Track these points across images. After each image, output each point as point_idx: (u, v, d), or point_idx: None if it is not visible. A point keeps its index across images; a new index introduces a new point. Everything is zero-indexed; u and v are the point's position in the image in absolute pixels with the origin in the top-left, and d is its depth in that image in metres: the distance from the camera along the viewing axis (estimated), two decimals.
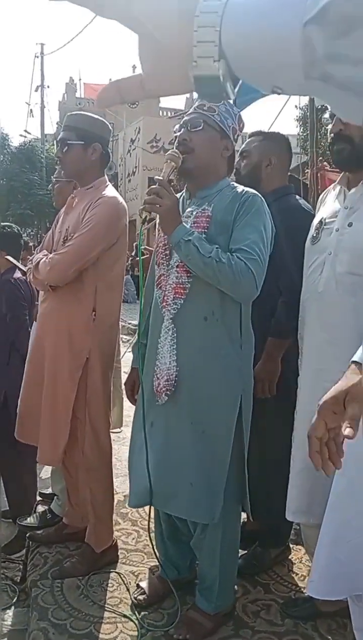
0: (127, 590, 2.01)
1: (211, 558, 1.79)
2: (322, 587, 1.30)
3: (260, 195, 1.73)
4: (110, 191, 2.12)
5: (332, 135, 1.76)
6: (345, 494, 1.26)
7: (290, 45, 0.44)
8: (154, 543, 1.99)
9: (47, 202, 18.95)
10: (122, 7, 0.49)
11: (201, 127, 1.71)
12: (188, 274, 1.69)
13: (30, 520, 2.50)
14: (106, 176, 2.19)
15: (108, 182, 2.18)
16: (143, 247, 2.02)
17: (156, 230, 1.82)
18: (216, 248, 1.62)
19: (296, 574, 2.15)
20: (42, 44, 21.64)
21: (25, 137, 21.20)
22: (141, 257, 1.61)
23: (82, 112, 2.21)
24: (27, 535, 2.38)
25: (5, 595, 2.29)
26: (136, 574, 2.12)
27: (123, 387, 2.12)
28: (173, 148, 1.78)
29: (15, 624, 2.14)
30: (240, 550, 2.01)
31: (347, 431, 0.94)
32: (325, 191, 2.03)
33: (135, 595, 1.96)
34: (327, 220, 1.79)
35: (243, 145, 2.22)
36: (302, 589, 2.03)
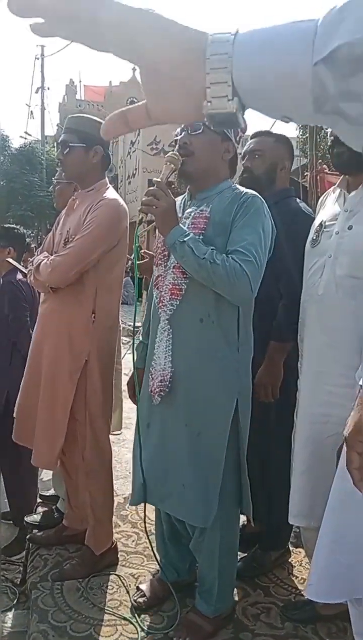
0: (127, 592, 2.01)
1: (210, 561, 1.79)
2: (321, 589, 1.30)
3: (260, 196, 1.72)
4: (111, 193, 2.13)
5: (332, 138, 1.77)
6: (345, 497, 1.26)
7: (300, 83, 0.45)
8: (153, 545, 1.99)
9: (48, 204, 18.97)
10: (125, 43, 0.50)
11: (201, 130, 1.71)
12: (184, 275, 1.69)
13: (35, 518, 2.50)
14: (106, 178, 2.20)
15: (109, 185, 2.18)
16: (142, 251, 2.03)
17: (156, 232, 1.83)
18: (212, 249, 1.61)
19: (296, 577, 2.14)
20: (43, 46, 21.66)
21: (25, 138, 21.24)
22: (138, 261, 1.61)
23: (83, 115, 2.21)
24: (27, 537, 2.38)
25: (5, 597, 2.29)
26: (135, 576, 2.12)
27: (123, 388, 2.12)
28: (172, 150, 1.79)
29: (15, 626, 2.14)
30: (240, 553, 2.02)
31: None
32: (324, 194, 2.03)
33: (135, 598, 1.95)
34: (326, 223, 1.79)
35: (253, 144, 2.17)
36: (302, 592, 2.03)
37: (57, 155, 2.23)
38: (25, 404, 2.20)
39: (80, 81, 33.80)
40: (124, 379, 2.57)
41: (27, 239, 3.34)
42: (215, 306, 1.67)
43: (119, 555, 2.23)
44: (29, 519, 2.50)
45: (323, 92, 0.45)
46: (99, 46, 0.51)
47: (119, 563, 2.20)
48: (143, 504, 1.90)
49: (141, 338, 1.96)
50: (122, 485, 2.88)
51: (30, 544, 2.34)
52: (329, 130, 1.79)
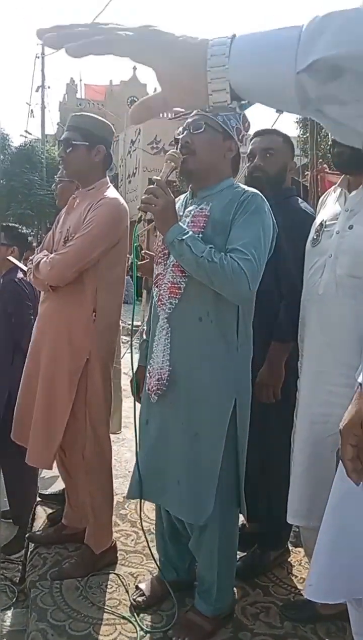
0: (126, 591, 2.01)
1: (209, 561, 1.79)
2: (320, 590, 1.30)
3: (260, 195, 1.71)
4: (111, 192, 2.13)
5: (333, 137, 1.77)
6: (346, 497, 1.26)
7: (286, 88, 0.54)
8: (152, 544, 1.99)
9: (48, 203, 18.95)
10: (137, 56, 0.61)
11: (202, 129, 1.71)
12: (183, 274, 1.69)
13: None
14: (107, 177, 2.20)
15: (110, 184, 2.18)
16: (143, 252, 2.03)
17: (156, 231, 1.83)
18: (210, 248, 1.61)
19: (296, 577, 2.14)
20: (43, 45, 21.57)
21: (25, 137, 21.23)
22: (137, 260, 1.61)
23: (86, 113, 2.21)
24: (27, 536, 2.38)
25: (4, 595, 2.29)
26: (135, 575, 2.12)
27: (123, 388, 2.12)
28: (173, 149, 1.78)
29: (14, 624, 2.14)
30: (239, 553, 2.02)
31: None
32: (325, 193, 2.03)
33: (134, 597, 1.95)
34: (327, 223, 1.79)
35: (264, 142, 2.13)
36: (301, 592, 2.03)
37: (59, 153, 2.23)
38: (25, 403, 2.19)
39: (80, 80, 33.74)
40: (124, 378, 2.58)
41: (30, 238, 3.36)
42: (214, 305, 1.66)
43: (118, 554, 2.23)
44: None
45: (305, 95, 0.54)
46: (117, 50, 0.61)
47: (119, 562, 2.20)
48: (140, 504, 1.92)
49: (144, 336, 1.96)
50: (122, 484, 2.88)
51: (30, 543, 2.34)
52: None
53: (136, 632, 1.80)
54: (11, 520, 2.91)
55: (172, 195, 1.69)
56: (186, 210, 1.77)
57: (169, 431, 1.75)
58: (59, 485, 2.96)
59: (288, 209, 2.05)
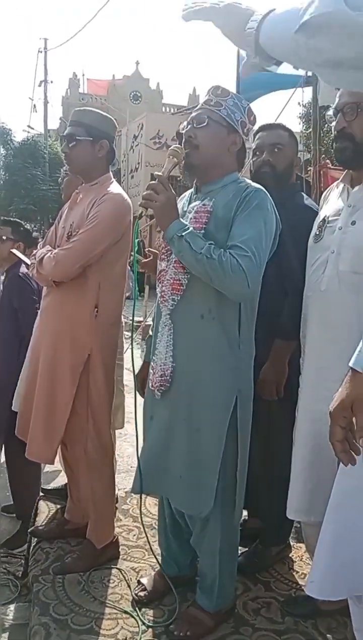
0: (128, 586, 2.02)
1: (211, 557, 1.79)
2: (322, 587, 1.30)
3: (264, 190, 1.69)
4: (115, 188, 2.12)
5: (335, 132, 1.75)
6: (348, 494, 1.26)
7: (288, 42, 0.85)
8: (153, 539, 2.00)
9: (50, 198, 18.92)
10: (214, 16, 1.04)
11: (205, 123, 1.70)
12: (185, 270, 1.68)
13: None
14: (110, 172, 2.19)
15: (113, 179, 2.18)
16: (147, 249, 2.03)
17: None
18: (210, 244, 1.60)
19: (297, 572, 2.15)
20: (46, 39, 21.41)
21: (28, 132, 21.17)
22: (137, 255, 1.61)
23: (89, 108, 2.21)
24: (29, 530, 2.39)
25: (7, 590, 2.31)
26: (136, 570, 2.13)
27: (126, 384, 2.12)
28: (175, 144, 1.78)
29: (17, 618, 2.15)
30: (241, 548, 2.02)
31: (362, 442, 1.09)
32: (328, 189, 2.02)
33: (136, 592, 1.96)
34: (330, 219, 1.78)
35: (271, 137, 2.10)
36: (303, 587, 2.04)
37: (62, 148, 2.22)
38: (27, 399, 2.20)
39: (83, 74, 33.53)
40: (126, 374, 2.58)
41: (35, 234, 3.39)
42: (216, 302, 1.66)
43: (120, 549, 2.23)
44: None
45: (297, 47, 0.84)
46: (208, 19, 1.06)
47: (121, 557, 2.21)
48: (141, 499, 1.92)
49: (150, 332, 1.96)
50: (124, 479, 2.89)
51: (32, 537, 2.35)
52: (333, 124, 1.78)
53: (138, 626, 1.81)
54: (14, 515, 2.93)
55: (173, 191, 1.69)
56: (190, 206, 1.77)
57: (172, 426, 1.75)
58: (61, 480, 2.98)
59: (294, 206, 2.04)
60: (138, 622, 1.83)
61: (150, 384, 1.79)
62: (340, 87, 1.47)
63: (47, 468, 3.27)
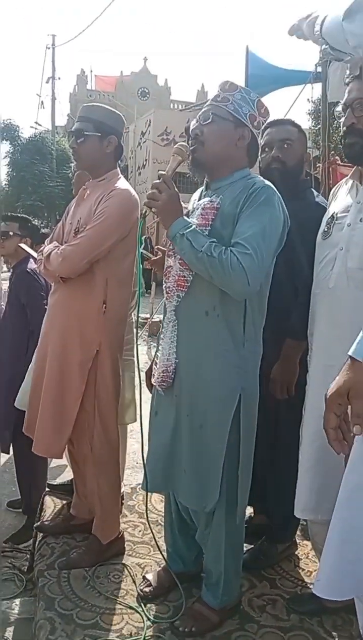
0: (133, 582, 2.02)
1: (216, 554, 1.79)
2: (329, 587, 1.29)
3: (272, 186, 1.67)
4: (123, 183, 2.12)
5: (344, 128, 1.74)
6: (355, 493, 1.25)
7: (340, 32, 1.23)
8: (160, 535, 2.00)
9: (57, 194, 18.92)
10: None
11: (210, 120, 1.70)
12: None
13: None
14: (118, 168, 2.19)
15: (120, 175, 2.17)
16: (156, 247, 2.03)
17: None
18: (211, 242, 1.59)
19: (303, 570, 2.15)
20: (54, 36, 21.40)
21: (35, 128, 21.18)
22: (142, 252, 1.61)
23: (97, 104, 2.20)
24: (35, 525, 2.40)
25: (12, 584, 2.31)
26: (142, 566, 2.14)
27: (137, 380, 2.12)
28: (183, 141, 1.78)
29: (22, 613, 2.16)
30: (246, 545, 2.02)
31: (355, 429, 1.09)
32: (336, 185, 2.00)
33: (141, 587, 1.97)
34: (338, 215, 1.77)
35: (281, 132, 2.08)
36: (308, 585, 2.03)
37: (70, 143, 2.22)
38: (34, 395, 2.20)
39: (91, 71, 33.52)
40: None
41: (44, 230, 3.41)
42: (221, 299, 1.65)
43: (126, 545, 2.24)
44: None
45: (346, 35, 1.15)
46: None
47: (126, 553, 2.21)
48: (146, 495, 1.93)
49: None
50: (130, 475, 2.90)
51: (38, 532, 2.36)
52: (341, 120, 1.77)
53: (143, 622, 1.81)
54: (20, 510, 2.94)
55: (176, 189, 1.68)
56: (198, 202, 1.76)
57: (176, 422, 1.76)
58: (67, 476, 2.98)
59: (305, 203, 2.02)
60: (143, 618, 1.83)
61: (153, 380, 1.79)
62: None
63: (53, 463, 3.28)
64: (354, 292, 1.66)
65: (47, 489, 2.72)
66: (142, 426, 1.87)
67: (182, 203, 1.80)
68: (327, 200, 2.00)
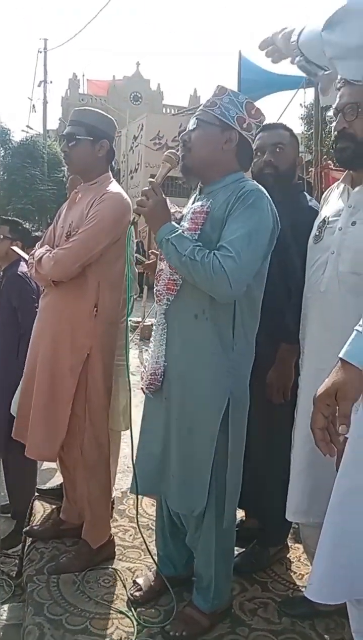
0: (124, 586, 2.01)
1: (207, 557, 1.79)
2: (322, 590, 1.29)
3: (261, 190, 1.67)
4: (114, 187, 2.12)
5: (336, 133, 1.75)
6: (347, 497, 1.25)
7: (319, 43, 0.91)
8: (151, 539, 1.99)
9: (49, 198, 18.86)
10: None
11: (196, 125, 1.72)
12: None
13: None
14: (110, 172, 2.18)
15: (112, 178, 2.17)
16: (150, 251, 2.04)
17: None
18: (195, 246, 1.60)
19: (295, 573, 2.14)
20: (46, 40, 21.36)
21: (27, 132, 21.13)
22: (130, 257, 1.62)
23: (89, 108, 2.20)
24: (24, 530, 2.38)
25: (1, 590, 2.29)
26: (132, 570, 2.12)
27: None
28: (176, 146, 1.79)
29: (11, 618, 2.13)
30: (238, 548, 2.02)
31: (341, 428, 1.10)
32: (328, 189, 2.01)
33: (131, 592, 1.95)
34: (330, 219, 1.78)
35: (273, 137, 2.09)
36: (300, 588, 2.03)
37: (62, 147, 2.22)
38: (25, 399, 2.19)
39: (83, 75, 33.52)
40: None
41: (37, 233, 3.37)
42: (210, 303, 1.65)
43: (116, 550, 2.23)
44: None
45: (323, 46, 0.92)
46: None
47: (116, 557, 2.20)
48: (137, 499, 1.93)
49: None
50: (121, 479, 2.88)
51: (27, 537, 2.34)
52: (333, 124, 1.78)
53: (133, 626, 1.80)
54: (9, 514, 2.91)
55: (163, 195, 1.70)
56: (191, 207, 1.77)
57: (166, 425, 1.76)
58: (57, 480, 2.96)
59: (298, 207, 2.03)
60: (133, 622, 1.82)
61: (141, 383, 1.80)
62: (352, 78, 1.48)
63: (43, 466, 3.26)
64: (345, 296, 1.67)
65: (36, 494, 2.70)
66: (132, 430, 1.86)
67: (176, 207, 1.82)
68: (320, 204, 2.01)
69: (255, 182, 1.74)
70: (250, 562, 2.12)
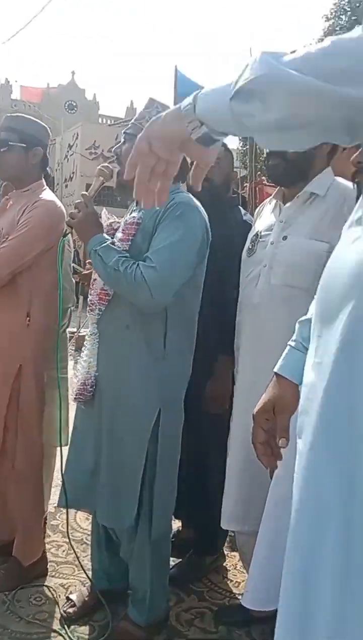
0: (57, 603, 1.95)
1: (141, 569, 1.77)
2: (256, 597, 1.31)
3: (191, 202, 1.69)
4: (48, 194, 2.09)
5: (267, 150, 1.81)
6: (280, 505, 1.28)
7: (224, 116, 0.79)
8: (86, 554, 1.95)
9: None
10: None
11: (123, 140, 1.76)
12: None
13: None
14: (43, 180, 2.15)
15: (46, 186, 2.14)
16: (88, 261, 2.02)
17: None
18: (119, 257, 1.62)
19: (231, 581, 2.17)
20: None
21: None
22: (61, 268, 1.61)
23: (22, 115, 2.16)
24: None
25: None
26: (65, 586, 2.07)
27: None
28: (103, 164, 1.82)
29: None
30: (175, 559, 2.01)
31: (281, 442, 1.12)
32: (261, 204, 2.08)
33: (64, 609, 1.90)
34: (262, 233, 1.83)
35: None
36: (236, 595, 2.05)
37: None
38: None
39: (16, 81, 33.00)
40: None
41: None
42: (141, 313, 1.66)
43: (48, 566, 2.16)
44: None
45: (233, 114, 0.77)
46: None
47: (49, 574, 2.14)
48: (67, 514, 1.88)
49: None
50: (54, 494, 2.80)
51: None
52: None
53: None
54: None
55: (93, 208, 1.73)
56: (125, 218, 1.78)
57: (96, 437, 1.75)
58: None
59: (233, 220, 2.08)
60: None
61: (69, 393, 1.78)
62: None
63: None
64: (278, 308, 1.71)
65: None
66: (61, 442, 1.84)
67: (115, 218, 1.82)
68: (253, 218, 2.08)
69: (190, 194, 1.77)
70: (186, 572, 2.12)
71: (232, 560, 2.29)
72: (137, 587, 1.80)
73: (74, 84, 34.36)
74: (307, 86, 0.71)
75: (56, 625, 1.84)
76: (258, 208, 2.06)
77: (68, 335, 2.19)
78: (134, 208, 1.79)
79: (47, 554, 2.20)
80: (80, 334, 7.01)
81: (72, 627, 1.83)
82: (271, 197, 1.96)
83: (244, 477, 1.75)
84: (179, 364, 1.75)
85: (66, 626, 1.83)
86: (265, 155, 1.90)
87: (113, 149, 1.82)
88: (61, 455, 1.82)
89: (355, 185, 1.70)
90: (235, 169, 2.37)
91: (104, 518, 1.76)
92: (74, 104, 32.92)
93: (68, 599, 1.95)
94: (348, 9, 17.54)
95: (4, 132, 2.06)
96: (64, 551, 2.30)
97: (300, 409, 1.08)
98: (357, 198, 1.13)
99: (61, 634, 1.80)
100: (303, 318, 1.28)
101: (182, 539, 2.25)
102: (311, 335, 1.08)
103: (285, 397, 1.16)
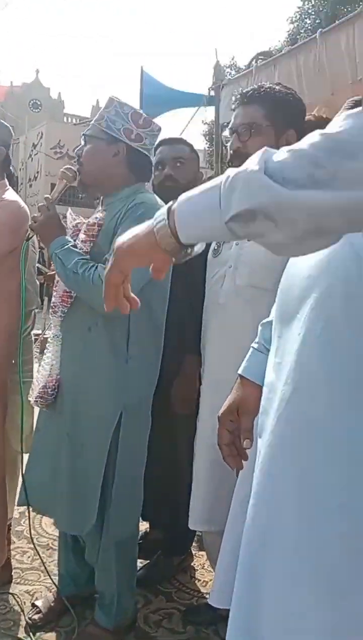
0: (22, 610, 1.92)
1: (108, 573, 1.76)
2: (223, 596, 1.31)
3: (152, 202, 1.68)
4: (11, 195, 2.05)
5: (231, 152, 1.82)
6: (244, 503, 1.29)
7: (222, 233, 0.76)
8: (52, 559, 1.93)
9: None
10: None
11: (84, 141, 1.76)
12: None
13: None
14: (6, 180, 2.11)
15: (8, 186, 2.10)
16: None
17: None
18: (79, 259, 1.61)
19: (199, 580, 2.17)
20: None
21: None
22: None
23: None
24: None
25: None
26: (31, 593, 2.04)
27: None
28: (67, 165, 1.81)
29: None
30: (143, 560, 2.01)
31: (245, 443, 1.13)
32: None
33: (30, 615, 1.87)
34: None
35: (172, 151, 2.12)
36: (204, 595, 2.06)
37: None
38: None
39: None
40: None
41: None
42: (104, 316, 1.63)
43: (13, 573, 2.13)
44: None
45: (237, 234, 0.75)
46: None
47: (13, 581, 2.10)
48: (29, 518, 1.86)
49: None
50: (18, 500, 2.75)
51: None
52: (228, 144, 1.84)
53: None
54: None
55: (55, 211, 1.72)
56: (89, 219, 1.76)
57: (57, 441, 1.72)
58: None
59: None
60: None
61: (30, 396, 1.75)
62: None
63: None
64: (243, 308, 1.73)
65: None
66: (22, 445, 1.81)
67: (81, 218, 1.80)
68: None
69: (154, 195, 1.77)
70: (154, 574, 2.12)
71: (200, 559, 2.30)
72: (103, 590, 1.79)
73: (38, 82, 33.90)
74: (325, 206, 0.68)
75: (22, 634, 1.81)
76: None
77: (33, 337, 2.15)
78: (100, 208, 1.78)
79: (12, 560, 2.16)
80: (45, 336, 6.92)
81: (38, 634, 1.81)
82: None
83: (211, 478, 1.76)
84: (143, 367, 1.73)
85: (31, 633, 1.80)
86: (227, 157, 1.91)
87: (75, 150, 1.80)
88: (22, 458, 1.80)
89: None
90: (201, 169, 2.38)
91: (63, 524, 1.74)
92: (39, 103, 32.49)
93: (33, 605, 1.92)
94: (312, 13, 17.83)
95: None
96: (29, 557, 2.27)
97: (261, 409, 1.09)
98: None
99: None
100: (265, 320, 1.29)
101: (150, 541, 2.24)
102: (272, 336, 1.09)
103: (249, 398, 1.17)
